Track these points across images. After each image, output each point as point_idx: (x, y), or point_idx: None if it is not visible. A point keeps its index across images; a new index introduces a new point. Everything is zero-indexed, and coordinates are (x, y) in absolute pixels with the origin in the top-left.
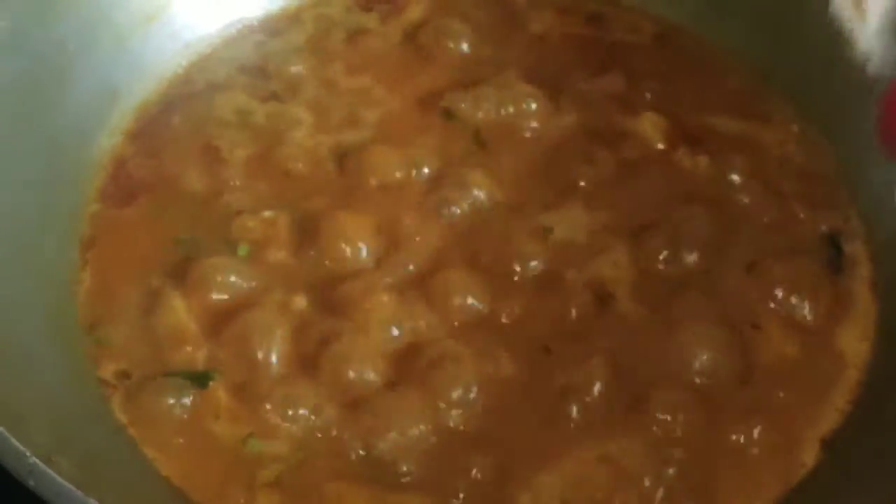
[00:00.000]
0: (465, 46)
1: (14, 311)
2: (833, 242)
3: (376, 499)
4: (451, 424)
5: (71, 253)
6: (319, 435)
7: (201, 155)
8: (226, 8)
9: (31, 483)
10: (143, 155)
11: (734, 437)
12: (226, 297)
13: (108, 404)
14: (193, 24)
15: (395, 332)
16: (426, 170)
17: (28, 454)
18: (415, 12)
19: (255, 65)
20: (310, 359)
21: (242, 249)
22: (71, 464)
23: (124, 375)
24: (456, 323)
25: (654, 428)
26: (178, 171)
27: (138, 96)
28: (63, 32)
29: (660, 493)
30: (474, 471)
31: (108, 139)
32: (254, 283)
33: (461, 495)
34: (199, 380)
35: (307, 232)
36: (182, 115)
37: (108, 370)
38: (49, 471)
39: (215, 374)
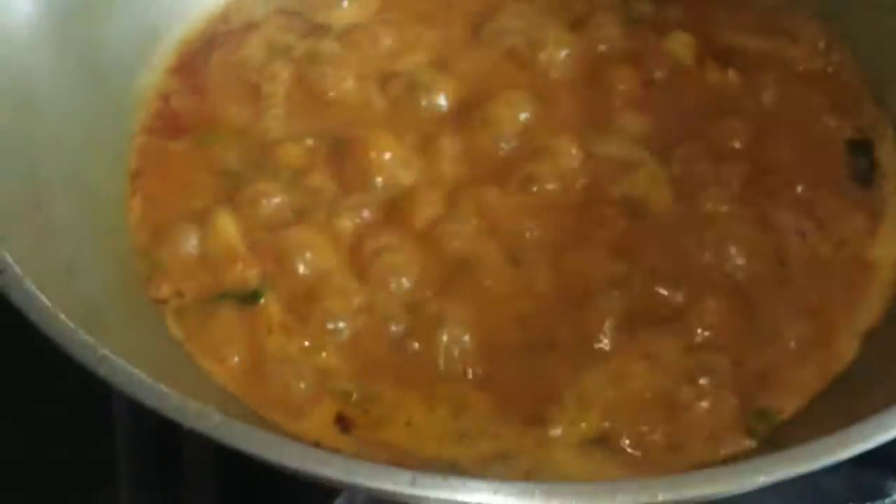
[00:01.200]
0: None
1: (68, 236)
2: (862, 149)
3: (435, 396)
4: (503, 327)
5: (120, 182)
6: (371, 341)
7: (242, 89)
8: None
9: (101, 371)
10: (186, 90)
11: (772, 334)
12: (272, 219)
13: (165, 323)
14: None
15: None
16: (466, 95)
17: (98, 346)
18: None
19: (290, 4)
20: (360, 270)
21: (286, 175)
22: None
23: (178, 295)
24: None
25: (694, 329)
26: (220, 106)
27: (178, 34)
28: None
29: (703, 389)
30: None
31: (151, 75)
32: (298, 206)
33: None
34: (251, 297)
35: (348, 156)
36: (221, 52)
37: (162, 290)
38: (119, 359)
39: (266, 290)
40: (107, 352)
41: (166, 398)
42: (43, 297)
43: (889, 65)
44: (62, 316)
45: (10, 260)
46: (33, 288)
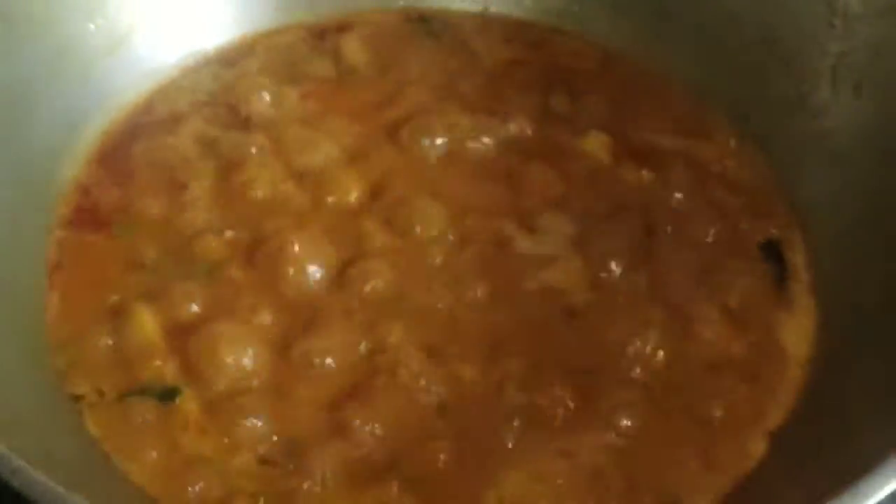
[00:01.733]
0: (411, 72)
1: None
2: (773, 251)
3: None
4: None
5: (38, 277)
6: (288, 444)
7: (164, 181)
8: (182, 39)
9: (15, 483)
10: (107, 181)
11: (682, 431)
12: (190, 313)
13: (81, 419)
14: (152, 56)
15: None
16: (382, 192)
17: (12, 456)
18: (365, 41)
19: (213, 94)
20: (277, 369)
21: (205, 268)
22: (49, 473)
23: (95, 391)
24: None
25: (608, 426)
26: (140, 197)
27: (101, 125)
28: (27, 62)
29: (618, 487)
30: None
31: (73, 167)
32: (217, 300)
33: None
34: (168, 394)
35: (267, 251)
36: (144, 143)
37: (79, 387)
38: (33, 471)
39: (184, 387)
40: (22, 462)
41: None
42: None
43: (798, 166)
44: None
45: None
46: None
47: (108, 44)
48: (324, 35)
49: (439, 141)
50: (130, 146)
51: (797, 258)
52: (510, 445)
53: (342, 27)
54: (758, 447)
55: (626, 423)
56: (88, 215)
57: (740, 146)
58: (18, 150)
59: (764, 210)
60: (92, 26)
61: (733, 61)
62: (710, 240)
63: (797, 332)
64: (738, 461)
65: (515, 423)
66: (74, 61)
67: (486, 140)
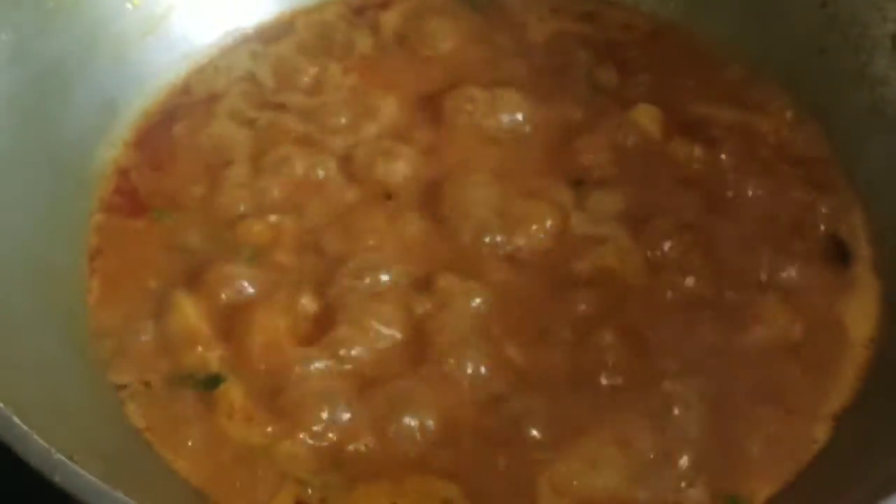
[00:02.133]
0: (455, 46)
1: (27, 321)
2: (833, 227)
3: (399, 488)
4: (464, 411)
5: (79, 263)
6: (335, 427)
7: (203, 163)
8: (221, 18)
9: (56, 478)
10: (146, 165)
11: (746, 416)
12: (233, 298)
13: (123, 409)
14: (190, 35)
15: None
16: (426, 171)
17: (53, 451)
18: (406, 16)
19: (252, 73)
20: (317, 352)
21: (248, 252)
22: (91, 465)
23: (138, 380)
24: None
25: (665, 412)
26: (181, 180)
27: (138, 107)
28: (63, 46)
29: (683, 482)
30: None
31: (110, 150)
32: (260, 285)
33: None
34: (212, 381)
35: (310, 235)
36: (182, 124)
37: (121, 376)
38: (74, 466)
39: (228, 373)
40: (62, 457)
41: None
42: None
43: (857, 138)
44: (15, 419)
45: None
46: None
47: (146, 24)
48: (364, 11)
49: (485, 116)
50: (169, 128)
51: (858, 234)
52: (564, 432)
53: (383, 3)
54: (821, 432)
55: (682, 410)
56: (128, 199)
57: (796, 118)
58: (55, 133)
59: (822, 184)
60: (129, 6)
61: (788, 31)
62: (766, 216)
63: (859, 311)
64: (802, 446)
65: (569, 409)
66: (110, 42)
67: (532, 114)
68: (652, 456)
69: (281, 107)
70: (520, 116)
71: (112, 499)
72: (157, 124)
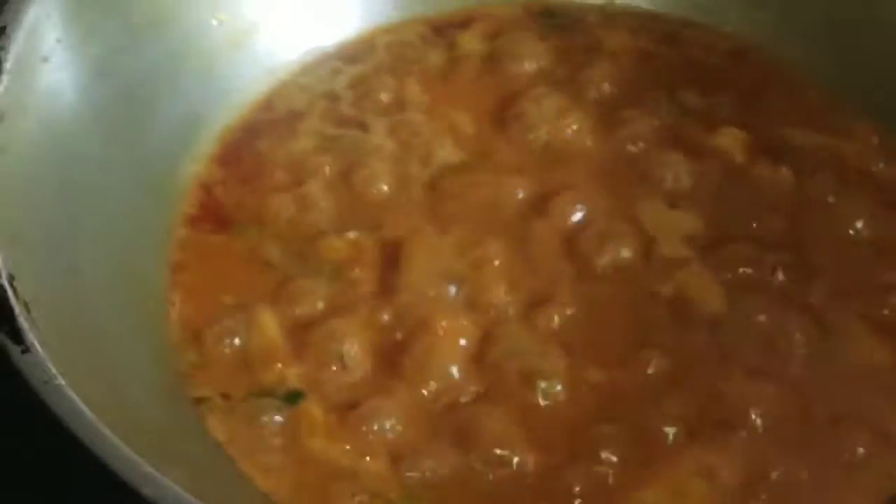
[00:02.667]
0: (538, 66)
1: (112, 331)
2: None
3: None
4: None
5: (162, 276)
6: (422, 443)
7: (285, 180)
8: (303, 36)
9: (145, 491)
10: (230, 180)
11: (827, 447)
12: (314, 316)
13: (204, 423)
14: (275, 51)
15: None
16: (520, 193)
17: (142, 462)
18: (486, 35)
19: (333, 91)
20: (397, 370)
21: (329, 269)
22: (176, 476)
23: (218, 394)
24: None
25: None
26: (262, 197)
27: (222, 122)
28: (151, 59)
29: None
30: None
31: (194, 164)
32: (340, 302)
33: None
34: (292, 397)
35: (390, 254)
36: (265, 140)
37: (201, 389)
38: (164, 478)
39: (308, 391)
40: (151, 469)
41: None
42: (87, 410)
43: None
44: (107, 431)
45: (54, 371)
46: (78, 400)
47: (231, 40)
48: (444, 30)
49: (565, 135)
50: (251, 144)
51: None
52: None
53: (464, 22)
54: None
55: (769, 441)
56: (211, 214)
57: (883, 142)
58: (140, 148)
59: None
60: (215, 22)
61: (871, 52)
62: (857, 244)
63: None
64: (885, 482)
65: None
66: (196, 58)
67: (611, 135)
68: (738, 485)
69: (361, 125)
70: (599, 137)
71: None
72: (240, 140)
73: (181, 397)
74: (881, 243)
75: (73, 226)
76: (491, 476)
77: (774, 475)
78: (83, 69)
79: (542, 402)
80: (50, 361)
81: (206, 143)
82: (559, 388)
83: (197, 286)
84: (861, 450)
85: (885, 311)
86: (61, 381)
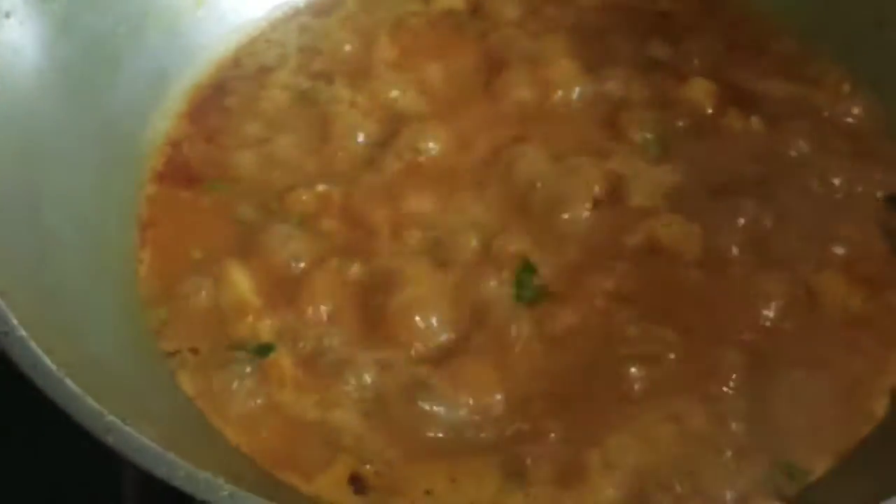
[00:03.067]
0: (509, 20)
1: (79, 288)
2: (890, 197)
3: (456, 466)
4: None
5: (131, 233)
6: (386, 398)
7: (254, 136)
8: None
9: (109, 440)
10: (198, 137)
11: (801, 390)
12: (283, 268)
13: (175, 377)
14: (240, 8)
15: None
16: (474, 143)
17: (105, 412)
18: None
19: (302, 46)
20: (370, 322)
21: (297, 222)
22: (144, 428)
23: (188, 349)
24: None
25: (720, 387)
26: (232, 152)
27: (190, 79)
28: (114, 17)
29: (728, 450)
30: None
31: (162, 122)
32: (310, 254)
33: None
34: (262, 350)
35: (359, 206)
36: (234, 97)
37: (172, 344)
38: (127, 427)
39: (278, 344)
40: (114, 418)
41: (175, 468)
42: (48, 361)
43: None
44: (68, 381)
45: (14, 321)
46: (39, 352)
47: None
48: None
49: (532, 89)
50: (220, 100)
51: None
52: (615, 406)
53: None
54: (880, 405)
55: (738, 384)
56: (180, 171)
57: (854, 91)
58: (106, 106)
59: (882, 158)
60: None
61: (844, 2)
62: (826, 191)
63: None
64: (859, 420)
65: (620, 382)
66: (161, 15)
67: (582, 88)
68: (706, 430)
69: (330, 79)
70: (570, 90)
71: (165, 461)
72: (209, 96)
73: (152, 353)
74: (850, 192)
75: (36, 185)
76: (470, 432)
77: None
78: (46, 25)
79: (517, 351)
80: (11, 314)
81: (175, 100)
82: (537, 342)
83: (166, 242)
84: (830, 396)
85: (853, 258)
86: (22, 332)
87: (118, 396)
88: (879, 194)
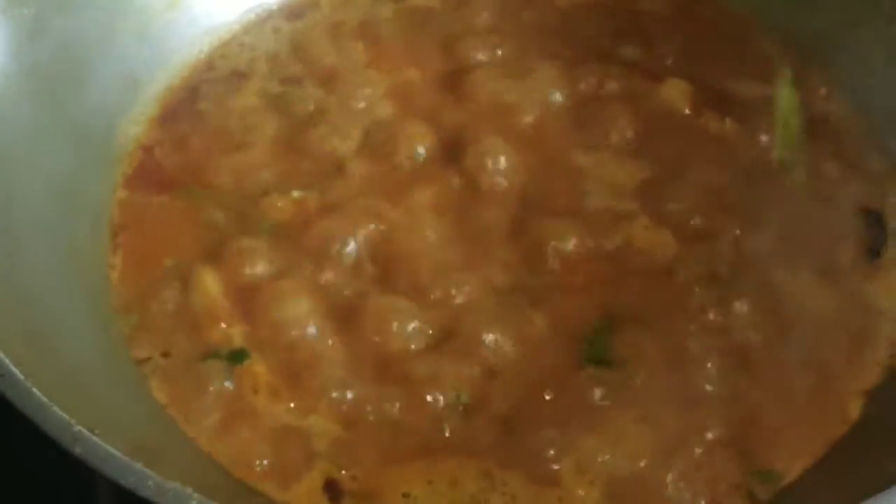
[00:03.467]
0: (484, 20)
1: (49, 295)
2: (865, 200)
3: (432, 468)
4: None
5: (102, 238)
6: (362, 403)
7: (227, 140)
8: None
9: (77, 450)
10: (170, 142)
11: (775, 392)
12: (257, 275)
13: (147, 385)
14: (213, 11)
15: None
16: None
17: (73, 422)
18: None
19: (275, 49)
20: (345, 328)
21: (271, 229)
22: (114, 439)
23: (161, 355)
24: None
25: (692, 388)
26: (205, 158)
27: (161, 83)
28: (85, 19)
29: (699, 450)
30: None
31: (134, 126)
32: (284, 260)
33: None
34: (236, 356)
35: (333, 211)
36: (207, 101)
37: (144, 351)
38: (95, 437)
39: (252, 349)
40: (82, 428)
41: (143, 478)
42: (15, 370)
43: (891, 114)
44: (35, 391)
45: None
46: (6, 361)
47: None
48: None
49: (506, 90)
50: (193, 105)
51: (890, 209)
52: (587, 408)
53: None
54: (853, 408)
55: (710, 386)
56: (152, 176)
57: (829, 93)
58: (77, 110)
59: (856, 160)
60: None
61: (817, 2)
62: (799, 192)
63: (891, 286)
64: (833, 423)
65: (592, 385)
66: (131, 18)
67: (555, 88)
68: (678, 432)
69: (304, 83)
70: (543, 91)
71: (133, 471)
72: (182, 101)
73: (124, 360)
74: (826, 194)
75: (5, 190)
76: (445, 424)
77: (719, 423)
78: (15, 29)
79: (492, 359)
80: None
81: (146, 104)
82: (510, 344)
83: (138, 248)
84: (803, 398)
85: (828, 261)
86: None
87: (88, 405)
88: (855, 204)
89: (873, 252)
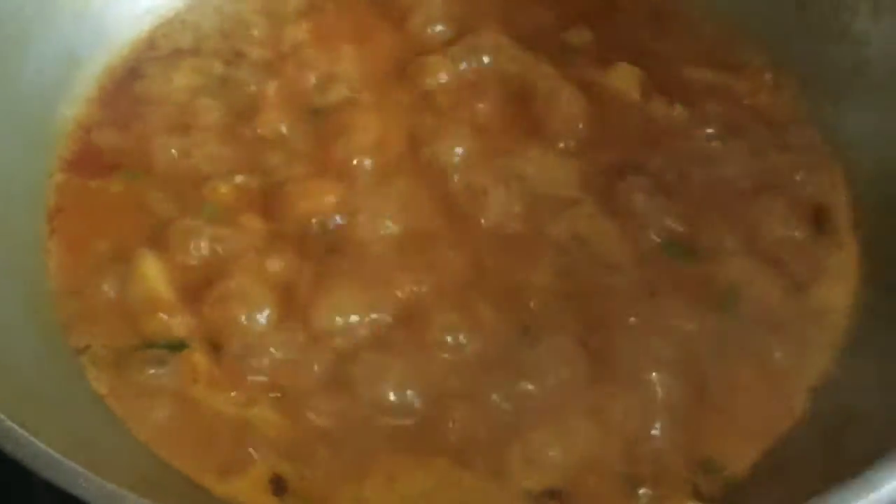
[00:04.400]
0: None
1: None
2: (811, 189)
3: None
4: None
5: (38, 223)
6: (301, 392)
7: (168, 122)
8: None
9: (7, 448)
10: (109, 123)
11: (721, 386)
12: (198, 262)
13: (85, 375)
14: None
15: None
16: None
17: (4, 417)
18: None
19: (218, 29)
20: (290, 317)
21: (213, 214)
22: (49, 432)
23: (98, 344)
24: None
25: (638, 383)
26: (145, 140)
27: (101, 63)
28: None
29: (646, 446)
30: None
31: (71, 107)
32: (226, 247)
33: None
34: (175, 346)
35: (277, 197)
36: (147, 81)
37: (81, 339)
38: (26, 433)
39: (191, 340)
40: (13, 424)
41: (74, 476)
42: None
43: (837, 99)
44: None
45: None
46: None
47: None
48: None
49: (447, 76)
50: (132, 85)
51: (837, 198)
52: (536, 403)
53: None
54: (799, 404)
55: (656, 380)
56: (90, 158)
57: (776, 79)
58: (12, 90)
59: (801, 146)
60: None
61: None
62: (744, 179)
63: (838, 277)
64: (778, 419)
65: (542, 378)
66: None
67: (500, 73)
68: (626, 424)
69: (247, 63)
70: (487, 76)
71: (66, 469)
72: (121, 81)
73: (61, 349)
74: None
75: None
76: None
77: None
78: None
79: (445, 354)
80: None
81: (85, 84)
82: (462, 338)
83: (76, 233)
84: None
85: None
86: None
87: (22, 398)
88: (800, 190)
89: (820, 229)
